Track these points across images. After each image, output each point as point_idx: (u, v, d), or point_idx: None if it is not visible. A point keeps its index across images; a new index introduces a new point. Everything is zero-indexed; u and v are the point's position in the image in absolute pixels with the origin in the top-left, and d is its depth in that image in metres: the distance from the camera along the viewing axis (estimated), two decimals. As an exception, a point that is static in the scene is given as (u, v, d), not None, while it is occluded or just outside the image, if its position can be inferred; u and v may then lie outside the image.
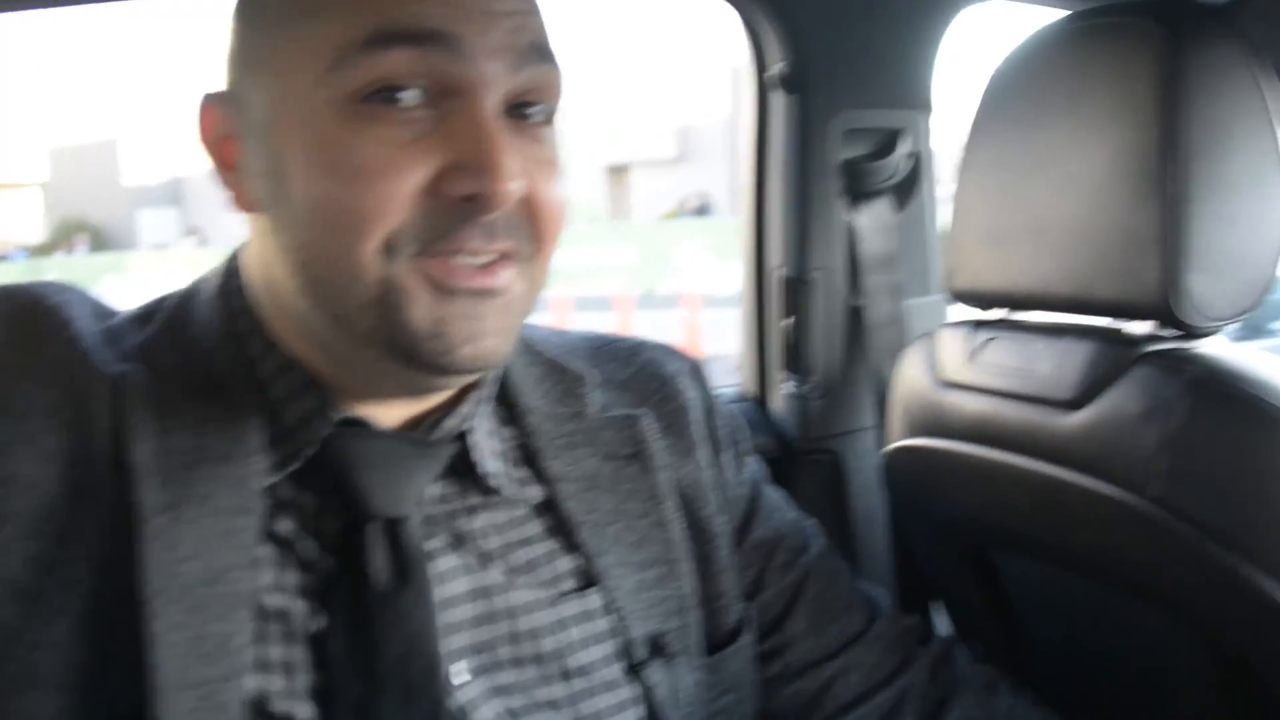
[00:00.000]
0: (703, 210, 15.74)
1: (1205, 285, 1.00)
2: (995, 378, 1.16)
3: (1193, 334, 1.03)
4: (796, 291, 1.58)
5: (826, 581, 1.05)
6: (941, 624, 1.48)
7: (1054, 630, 1.34)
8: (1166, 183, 0.99)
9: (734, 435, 1.04)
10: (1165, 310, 1.00)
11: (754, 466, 1.07)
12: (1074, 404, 1.06)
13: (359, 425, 0.81)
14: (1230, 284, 1.02)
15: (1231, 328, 2.44)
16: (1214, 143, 1.00)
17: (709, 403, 1.02)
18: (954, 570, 1.40)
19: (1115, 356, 1.04)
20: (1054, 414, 1.08)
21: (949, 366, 1.23)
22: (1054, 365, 1.10)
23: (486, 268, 0.75)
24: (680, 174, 17.58)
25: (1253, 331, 2.64)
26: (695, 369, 1.04)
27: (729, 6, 1.53)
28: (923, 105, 1.58)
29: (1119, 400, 1.02)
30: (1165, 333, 1.04)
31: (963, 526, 1.32)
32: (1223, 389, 0.97)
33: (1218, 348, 1.02)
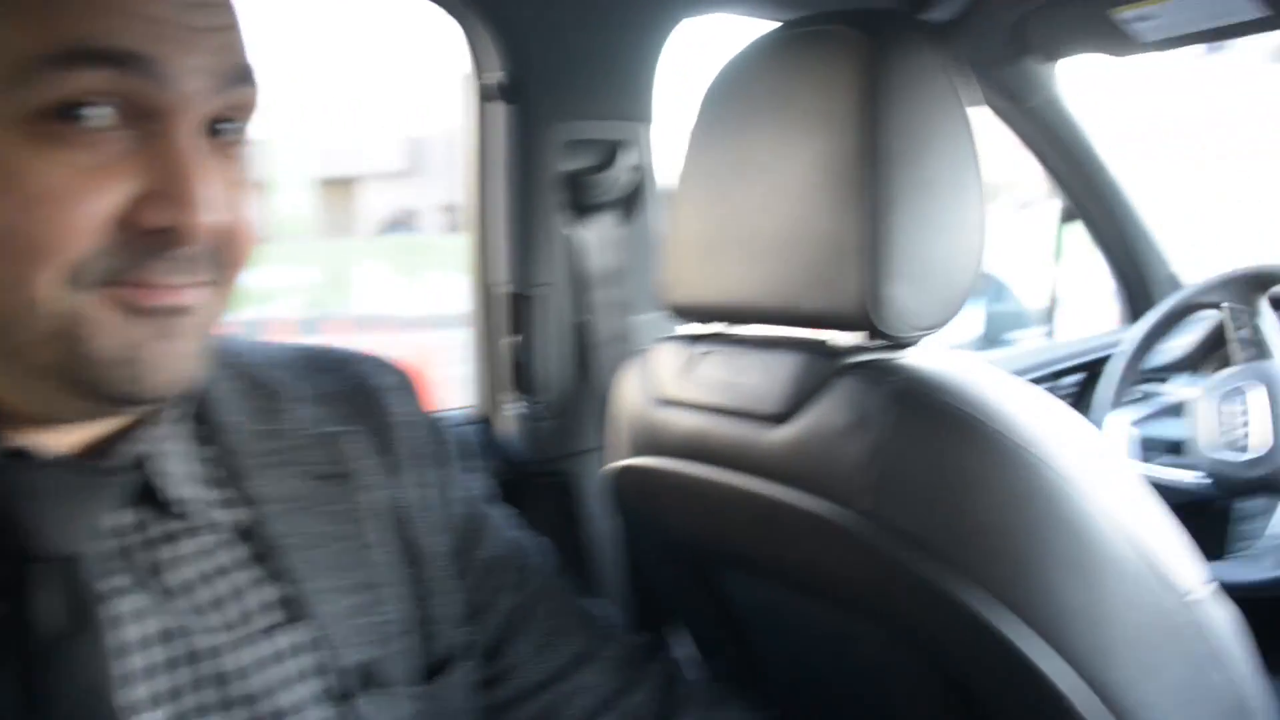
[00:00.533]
0: (410, 226, 15.43)
1: (907, 294, 0.98)
2: (708, 393, 1.13)
3: (897, 344, 1.02)
4: (520, 308, 1.52)
5: (553, 602, 1.01)
6: (684, 644, 1.46)
7: (785, 649, 1.32)
8: (866, 190, 0.97)
9: (453, 452, 0.98)
10: (868, 320, 0.99)
11: (477, 485, 1.01)
12: (780, 418, 1.04)
13: (24, 455, 0.71)
14: (932, 293, 1.01)
15: (971, 338, 2.50)
16: (913, 149, 0.99)
17: (423, 418, 0.96)
18: (686, 590, 1.37)
19: (820, 369, 1.02)
20: (762, 429, 1.06)
21: (664, 383, 1.19)
22: (762, 379, 1.07)
23: (176, 288, 0.69)
24: (410, 187, 17.07)
25: (989, 342, 2.71)
26: (408, 384, 0.97)
27: (448, 16, 1.48)
28: (644, 117, 1.56)
29: (824, 413, 1.00)
30: (872, 343, 1.03)
31: (687, 546, 1.29)
32: (924, 399, 0.96)
33: (920, 357, 1.01)
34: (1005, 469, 0.94)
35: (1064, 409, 1.02)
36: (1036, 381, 2.25)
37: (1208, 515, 2.03)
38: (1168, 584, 0.98)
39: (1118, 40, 1.85)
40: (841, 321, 1.02)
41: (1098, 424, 2.04)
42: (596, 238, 1.53)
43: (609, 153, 1.53)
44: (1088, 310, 2.65)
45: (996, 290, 2.88)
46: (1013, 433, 0.95)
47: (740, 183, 1.10)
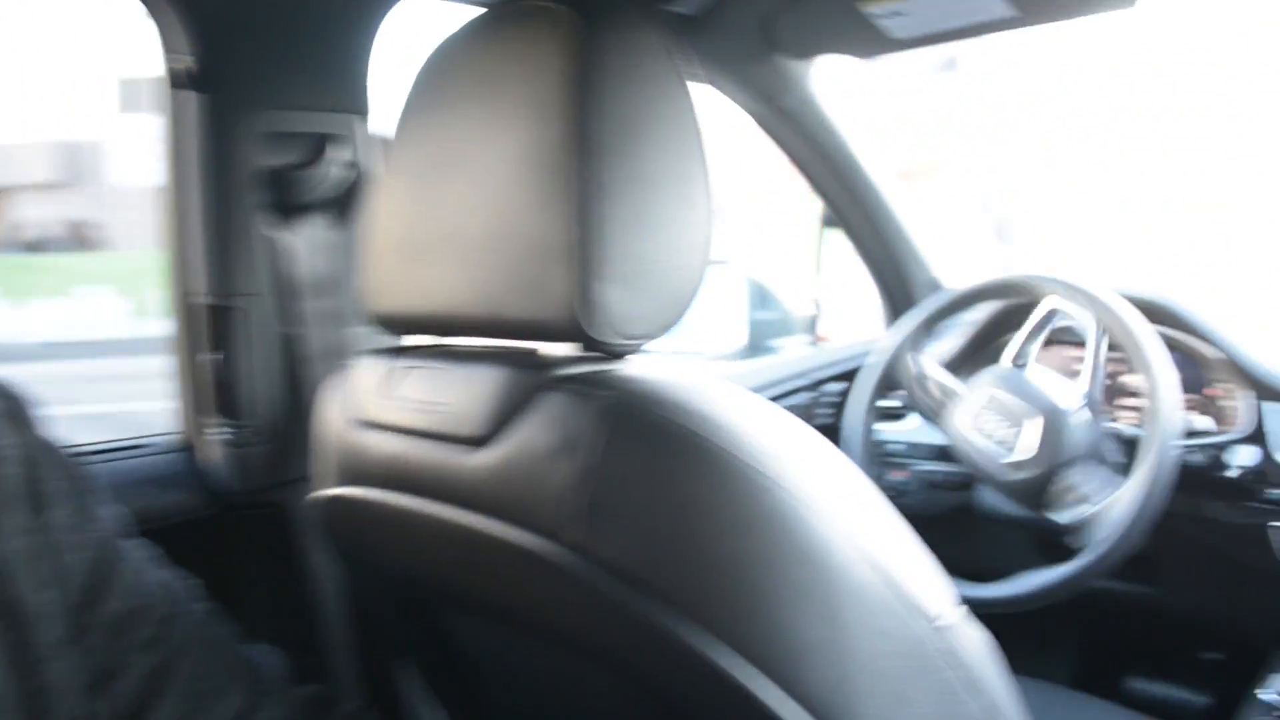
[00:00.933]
0: (37, 245, 14.50)
1: (621, 299, 0.87)
2: (408, 414, 1.00)
3: (612, 354, 0.91)
4: (220, 321, 1.36)
5: (204, 657, 0.88)
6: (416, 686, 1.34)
7: (514, 691, 1.20)
8: (575, 183, 0.85)
9: (75, 489, 0.83)
10: (578, 329, 0.87)
11: (107, 525, 0.86)
12: (481, 440, 0.91)
13: None
14: (650, 298, 0.90)
15: (734, 347, 2.43)
16: (629, 139, 0.88)
17: (33, 451, 0.81)
18: (410, 630, 1.24)
19: (524, 384, 0.90)
20: (463, 453, 0.93)
21: (364, 403, 1.06)
22: (462, 397, 0.94)
23: None
24: (69, 199, 15.93)
25: (753, 350, 2.64)
26: (15, 410, 0.82)
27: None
28: (357, 109, 1.41)
29: (529, 434, 0.88)
30: (584, 354, 0.92)
31: (401, 582, 1.16)
32: (639, 415, 0.85)
33: (638, 369, 0.90)
34: (732, 492, 0.84)
35: (799, 424, 0.92)
36: (799, 390, 2.20)
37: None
38: (916, 610, 0.90)
39: (869, 37, 1.81)
40: (551, 331, 0.90)
41: (852, 431, 2.00)
42: (306, 241, 1.38)
43: (317, 147, 1.38)
44: (854, 316, 2.61)
45: (761, 297, 2.83)
46: (741, 451, 0.84)
47: (444, 178, 0.97)
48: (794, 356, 2.39)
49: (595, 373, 0.89)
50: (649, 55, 0.90)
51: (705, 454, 0.84)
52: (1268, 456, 1.78)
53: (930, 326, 1.99)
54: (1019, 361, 1.82)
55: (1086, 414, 1.75)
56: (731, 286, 2.41)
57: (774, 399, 2.14)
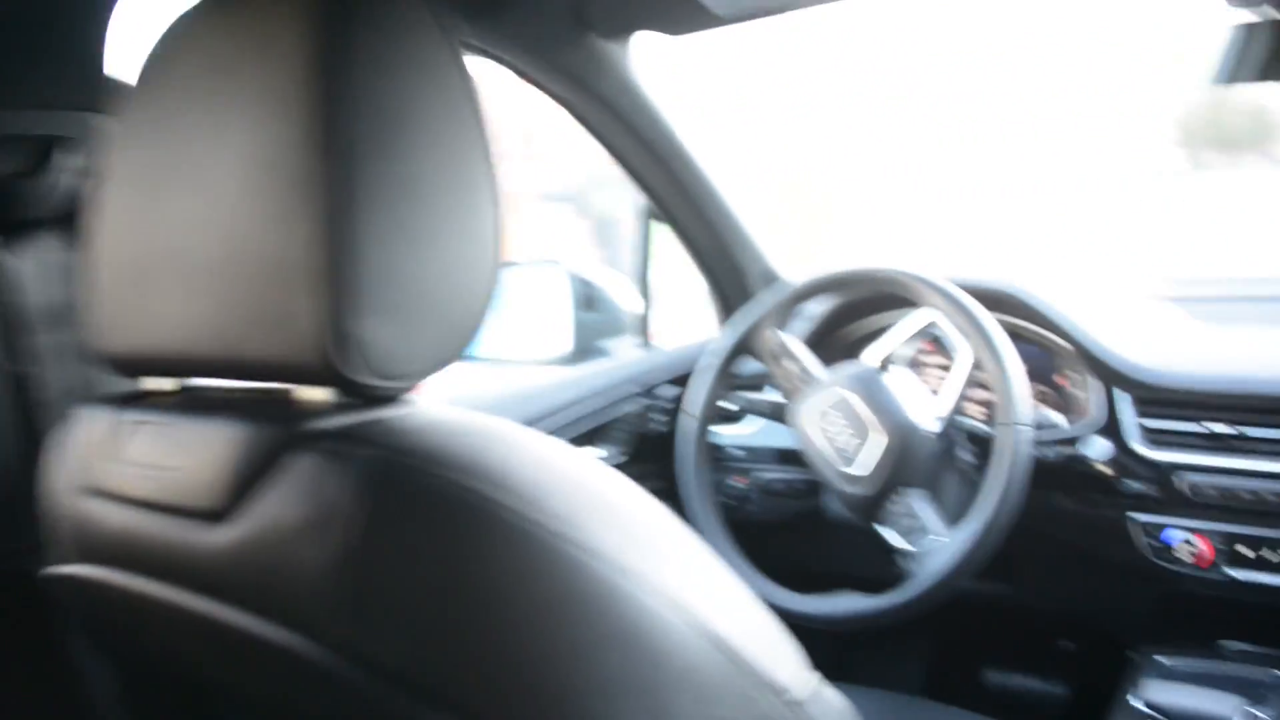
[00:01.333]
0: None
1: (384, 333, 0.71)
2: (136, 480, 0.81)
3: (376, 400, 0.74)
4: None
5: None
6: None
7: None
8: (322, 192, 0.68)
9: None
10: (331, 371, 0.70)
11: None
12: (218, 514, 0.73)
13: None
14: (422, 330, 0.73)
15: (559, 351, 2.27)
16: (392, 137, 0.71)
17: None
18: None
19: (269, 443, 0.72)
20: (198, 529, 0.75)
21: (90, 465, 0.87)
22: (196, 460, 0.76)
23: None
24: None
25: (581, 354, 2.48)
26: None
27: None
28: (93, 105, 1.20)
29: (275, 507, 0.70)
30: (344, 401, 0.74)
31: (160, 678, 0.98)
32: (408, 477, 0.68)
33: (409, 417, 0.73)
34: (533, 567, 0.67)
35: (614, 473, 0.77)
36: (631, 396, 2.06)
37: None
38: (764, 685, 0.75)
39: (687, 12, 1.69)
40: (300, 373, 0.73)
41: (687, 435, 1.87)
42: (35, 264, 1.18)
43: (42, 152, 1.17)
44: (685, 314, 2.48)
45: (588, 297, 2.67)
46: (544, 514, 0.68)
47: (169, 189, 0.79)
48: (625, 360, 2.24)
49: (356, 424, 0.72)
50: (416, 35, 0.74)
51: (497, 521, 0.67)
52: (1122, 447, 1.70)
53: (797, 302, 1.87)
54: (883, 364, 1.70)
55: (940, 441, 1.65)
56: (556, 287, 2.25)
57: (605, 406, 2.00)
